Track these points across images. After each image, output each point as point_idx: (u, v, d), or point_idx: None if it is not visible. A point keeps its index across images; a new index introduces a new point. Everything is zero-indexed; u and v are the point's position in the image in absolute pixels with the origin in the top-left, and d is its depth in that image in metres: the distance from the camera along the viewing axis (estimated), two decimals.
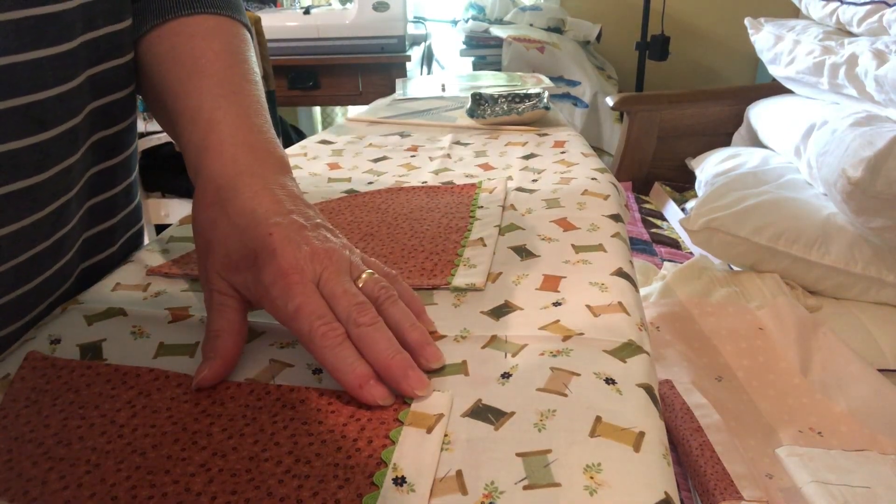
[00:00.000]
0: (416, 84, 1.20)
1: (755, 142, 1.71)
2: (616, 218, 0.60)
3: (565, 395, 0.37)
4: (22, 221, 0.43)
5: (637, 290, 0.50)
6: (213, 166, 0.44)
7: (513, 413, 0.36)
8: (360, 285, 0.40)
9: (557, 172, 0.72)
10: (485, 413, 0.36)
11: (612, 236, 0.56)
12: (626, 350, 0.41)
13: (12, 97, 0.41)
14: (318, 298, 0.38)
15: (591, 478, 0.31)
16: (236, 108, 0.47)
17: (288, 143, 0.91)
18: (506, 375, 0.39)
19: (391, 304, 0.40)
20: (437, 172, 0.73)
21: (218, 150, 0.44)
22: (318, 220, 0.42)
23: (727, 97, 1.84)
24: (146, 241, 0.64)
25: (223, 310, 0.41)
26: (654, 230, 1.55)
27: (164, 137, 2.13)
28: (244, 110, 0.47)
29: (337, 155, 0.81)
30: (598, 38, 2.50)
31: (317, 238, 0.40)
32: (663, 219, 1.65)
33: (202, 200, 0.43)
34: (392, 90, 1.17)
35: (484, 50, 2.39)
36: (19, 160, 0.42)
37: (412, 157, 0.79)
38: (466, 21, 2.49)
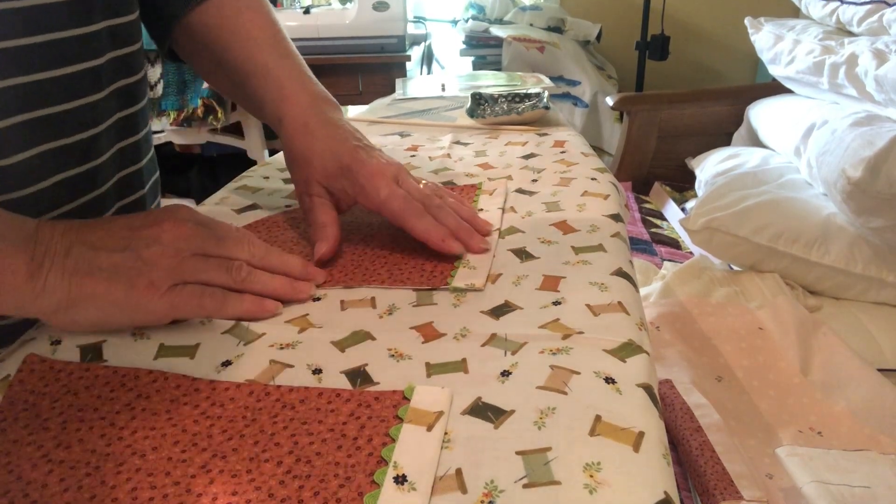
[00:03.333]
0: (416, 84, 1.20)
1: (755, 142, 1.71)
2: (616, 218, 0.60)
3: (565, 394, 0.37)
4: (49, 144, 0.49)
5: (637, 290, 0.50)
6: (295, 111, 0.57)
7: (513, 411, 0.36)
8: (421, 186, 0.55)
9: (557, 172, 0.72)
10: (485, 411, 0.36)
11: (612, 236, 0.56)
12: (626, 350, 0.41)
13: (35, 34, 0.47)
14: (399, 188, 0.53)
15: (591, 476, 0.31)
16: (292, 67, 0.60)
17: None
18: (505, 373, 0.39)
19: (443, 202, 0.55)
20: (437, 172, 0.73)
21: (295, 100, 0.58)
22: (373, 144, 0.58)
23: (727, 97, 1.84)
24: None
25: (325, 207, 0.54)
26: (654, 230, 1.55)
27: (163, 137, 2.13)
28: (298, 68, 0.61)
29: None
30: (598, 37, 2.50)
31: (381, 155, 0.56)
32: (663, 219, 1.65)
33: (295, 133, 0.56)
34: (392, 90, 1.17)
35: (484, 50, 2.39)
36: (44, 90, 0.48)
37: (412, 157, 0.79)
38: (466, 21, 2.49)
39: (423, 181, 0.57)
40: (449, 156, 0.79)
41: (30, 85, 0.47)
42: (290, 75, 0.59)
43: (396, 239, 0.56)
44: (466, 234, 0.53)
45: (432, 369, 0.40)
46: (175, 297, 0.42)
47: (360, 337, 0.43)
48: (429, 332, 0.44)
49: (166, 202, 0.77)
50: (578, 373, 0.38)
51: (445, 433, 0.34)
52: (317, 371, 0.40)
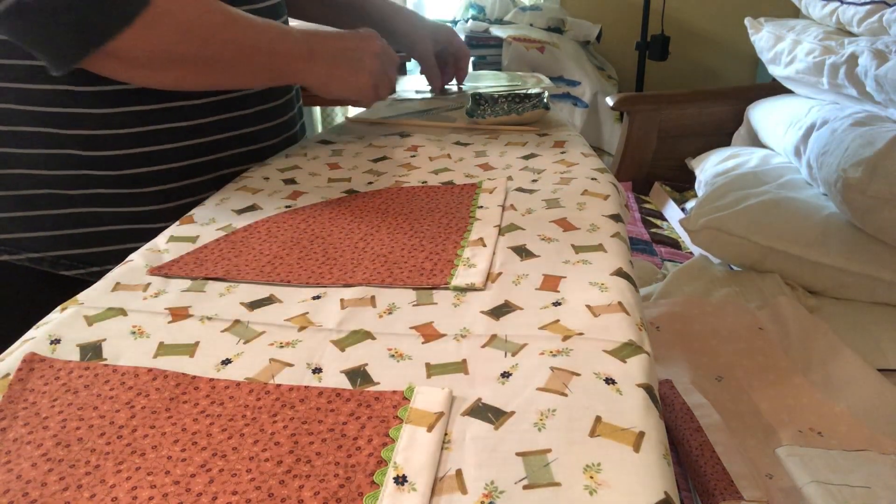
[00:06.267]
0: (416, 84, 1.20)
1: (755, 142, 1.71)
2: (616, 218, 0.60)
3: (565, 395, 0.37)
4: None
5: (637, 290, 0.50)
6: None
7: (513, 412, 0.36)
8: None
9: (557, 172, 0.72)
10: (485, 412, 0.36)
11: (612, 236, 0.56)
12: (626, 350, 0.41)
13: None
14: None
15: (591, 477, 0.31)
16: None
17: None
18: (506, 375, 0.39)
19: None
20: (437, 172, 0.73)
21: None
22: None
23: (727, 97, 1.84)
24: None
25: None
26: (654, 230, 1.55)
27: None
28: None
29: (337, 155, 0.81)
30: (598, 38, 2.50)
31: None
32: (663, 219, 1.65)
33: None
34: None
35: (484, 50, 2.39)
36: None
37: (412, 157, 0.79)
38: (466, 21, 2.49)
39: None
40: (449, 156, 0.79)
41: None
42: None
43: (396, 238, 0.56)
44: None
45: (432, 370, 0.40)
46: (379, 84, 0.77)
47: (360, 336, 0.43)
48: (429, 332, 0.44)
49: None
50: (578, 374, 0.38)
51: (445, 434, 0.34)
52: (317, 370, 0.40)
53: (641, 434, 0.34)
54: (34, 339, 0.43)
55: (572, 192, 0.65)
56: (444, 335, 0.43)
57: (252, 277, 0.51)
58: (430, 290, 0.49)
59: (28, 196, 0.71)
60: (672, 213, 1.66)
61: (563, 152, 0.78)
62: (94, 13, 0.57)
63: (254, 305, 0.48)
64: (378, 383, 0.39)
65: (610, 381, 0.38)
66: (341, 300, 0.48)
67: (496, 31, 2.36)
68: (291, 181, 0.72)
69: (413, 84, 1.19)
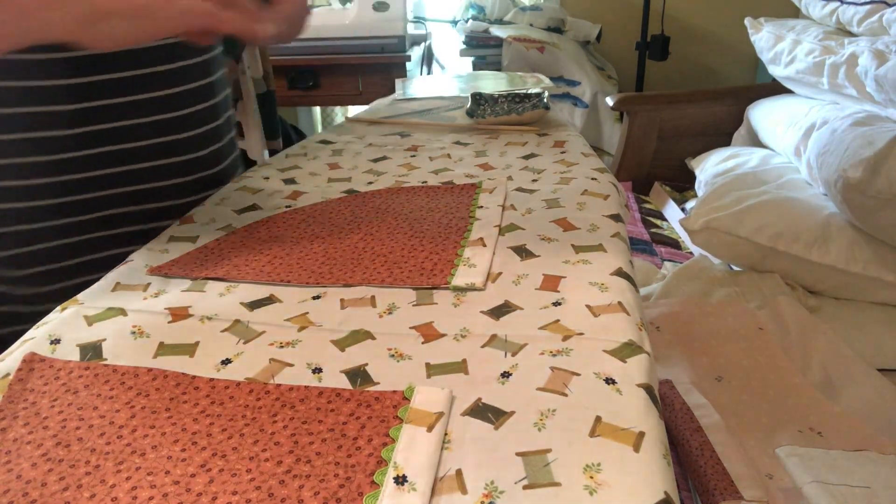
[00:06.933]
0: (417, 84, 1.20)
1: (755, 142, 1.71)
2: (616, 218, 0.60)
3: (565, 395, 0.37)
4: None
5: (637, 290, 0.50)
6: None
7: (513, 412, 0.36)
8: None
9: (557, 172, 0.72)
10: (485, 412, 0.36)
11: (612, 236, 0.56)
12: (626, 350, 0.41)
13: None
14: None
15: (591, 477, 0.31)
16: None
17: (288, 143, 0.92)
18: (506, 375, 0.39)
19: None
20: (437, 172, 0.73)
21: None
22: None
23: (727, 97, 1.84)
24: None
25: None
26: (654, 230, 1.55)
27: None
28: None
29: (337, 155, 0.81)
30: (598, 38, 2.50)
31: None
32: (663, 219, 1.65)
33: None
34: (392, 90, 1.17)
35: (484, 50, 2.39)
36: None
37: (412, 157, 0.79)
38: (466, 21, 2.48)
39: None
40: (449, 156, 0.79)
41: None
42: None
43: (396, 238, 0.56)
44: None
45: (432, 370, 0.40)
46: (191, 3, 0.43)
47: (360, 336, 0.43)
48: (429, 332, 0.44)
49: None
50: (578, 374, 0.38)
51: (445, 434, 0.34)
52: (317, 370, 0.40)
53: (641, 434, 0.34)
54: (34, 339, 0.43)
55: (572, 192, 0.65)
56: (444, 335, 0.43)
57: (252, 277, 0.51)
58: (430, 290, 0.49)
59: None
60: (672, 213, 1.66)
61: (563, 152, 0.78)
62: None
63: (254, 305, 0.48)
64: (378, 383, 0.39)
65: (610, 381, 0.38)
66: (341, 300, 0.48)
67: (496, 31, 2.36)
68: (291, 181, 0.72)
69: (416, 85, 1.19)
